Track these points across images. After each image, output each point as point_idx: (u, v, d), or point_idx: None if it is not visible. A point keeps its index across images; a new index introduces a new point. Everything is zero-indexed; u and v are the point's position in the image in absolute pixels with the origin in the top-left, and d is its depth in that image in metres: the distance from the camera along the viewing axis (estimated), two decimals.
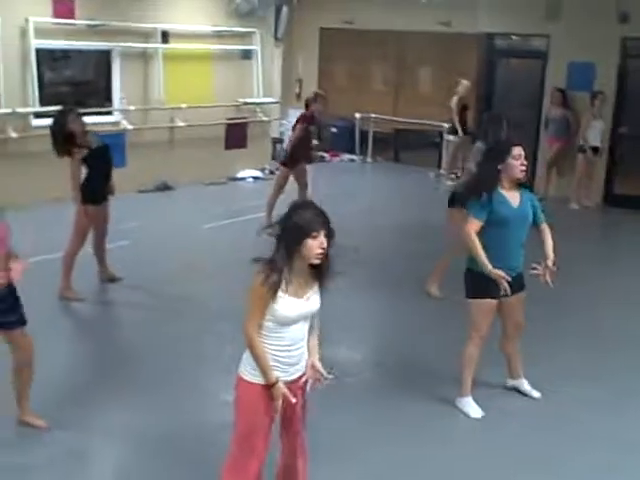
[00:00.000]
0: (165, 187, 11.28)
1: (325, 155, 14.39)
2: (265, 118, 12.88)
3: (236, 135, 12.39)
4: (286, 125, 15.16)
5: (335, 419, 4.77)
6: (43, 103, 9.88)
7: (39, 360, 4.59)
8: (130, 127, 10.83)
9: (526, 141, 12.07)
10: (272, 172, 12.71)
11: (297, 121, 9.41)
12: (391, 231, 9.63)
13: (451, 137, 12.32)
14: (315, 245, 3.32)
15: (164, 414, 4.87)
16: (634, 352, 6.13)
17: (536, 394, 5.30)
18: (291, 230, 3.33)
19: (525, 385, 5.35)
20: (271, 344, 3.40)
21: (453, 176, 12.14)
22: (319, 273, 3.44)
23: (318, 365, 3.59)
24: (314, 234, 3.31)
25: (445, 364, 5.66)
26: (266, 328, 3.40)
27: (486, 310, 4.93)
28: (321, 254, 3.34)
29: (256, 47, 12.45)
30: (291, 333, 3.42)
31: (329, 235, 3.37)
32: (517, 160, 4.85)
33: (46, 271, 6.69)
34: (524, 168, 4.90)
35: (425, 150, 14.23)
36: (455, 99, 12.10)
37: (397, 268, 8.19)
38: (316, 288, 3.48)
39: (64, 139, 6.53)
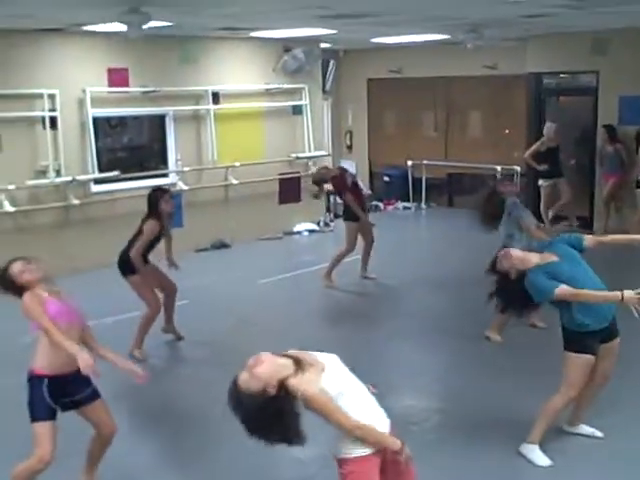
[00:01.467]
0: (222, 245, 11.43)
1: (379, 204, 14.44)
2: None
3: (290, 189, 12.53)
4: None
5: None
6: (101, 169, 10.21)
7: None
8: (186, 187, 11.06)
9: (582, 178, 12.17)
10: (327, 224, 12.81)
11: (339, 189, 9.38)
12: (449, 278, 9.55)
13: (542, 182, 12.09)
14: None
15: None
16: None
17: (599, 433, 5.14)
18: None
19: (585, 428, 5.19)
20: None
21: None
22: None
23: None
24: None
25: (508, 410, 5.55)
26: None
27: (583, 366, 4.73)
28: None
29: (305, 102, 12.65)
30: (352, 398, 3.32)
31: None
32: None
33: (111, 332, 6.83)
34: None
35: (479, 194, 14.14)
36: (537, 144, 11.95)
37: (456, 315, 8.11)
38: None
39: (156, 215, 6.89)
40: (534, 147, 11.95)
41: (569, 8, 8.27)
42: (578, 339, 4.69)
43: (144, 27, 7.39)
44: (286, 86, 12.33)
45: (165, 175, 11.11)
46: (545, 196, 12.01)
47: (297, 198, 12.67)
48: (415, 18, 9.26)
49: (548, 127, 11.91)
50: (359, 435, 3.26)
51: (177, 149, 11.16)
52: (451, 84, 14.18)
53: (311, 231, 12.56)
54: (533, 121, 12.74)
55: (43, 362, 4.23)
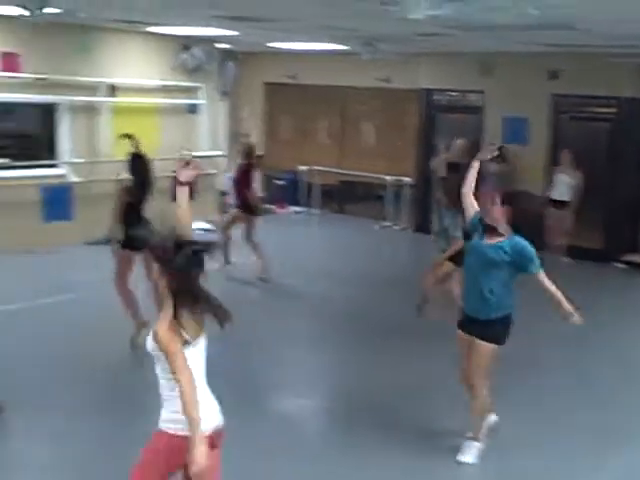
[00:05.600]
0: (108, 240, 11.22)
1: (272, 207, 14.56)
2: (212, 171, 13.03)
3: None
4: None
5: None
6: None
7: None
8: (77, 180, 10.85)
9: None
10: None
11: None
12: (338, 279, 9.79)
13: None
14: None
15: None
16: None
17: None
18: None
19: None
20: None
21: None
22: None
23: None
24: None
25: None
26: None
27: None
28: None
29: (202, 101, 12.66)
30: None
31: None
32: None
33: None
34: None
35: (369, 202, 14.55)
36: (442, 157, 12.21)
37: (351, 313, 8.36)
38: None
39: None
40: (445, 156, 12.24)
41: (459, 30, 8.69)
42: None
43: (43, 11, 7.23)
44: (184, 84, 12.31)
45: (55, 165, 10.87)
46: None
47: (191, 196, 12.54)
48: (310, 26, 9.45)
49: (454, 143, 12.15)
50: (187, 396, 3.09)
51: (70, 140, 10.93)
52: (346, 94, 14.49)
53: (205, 230, 12.48)
54: (424, 135, 13.19)
55: None
